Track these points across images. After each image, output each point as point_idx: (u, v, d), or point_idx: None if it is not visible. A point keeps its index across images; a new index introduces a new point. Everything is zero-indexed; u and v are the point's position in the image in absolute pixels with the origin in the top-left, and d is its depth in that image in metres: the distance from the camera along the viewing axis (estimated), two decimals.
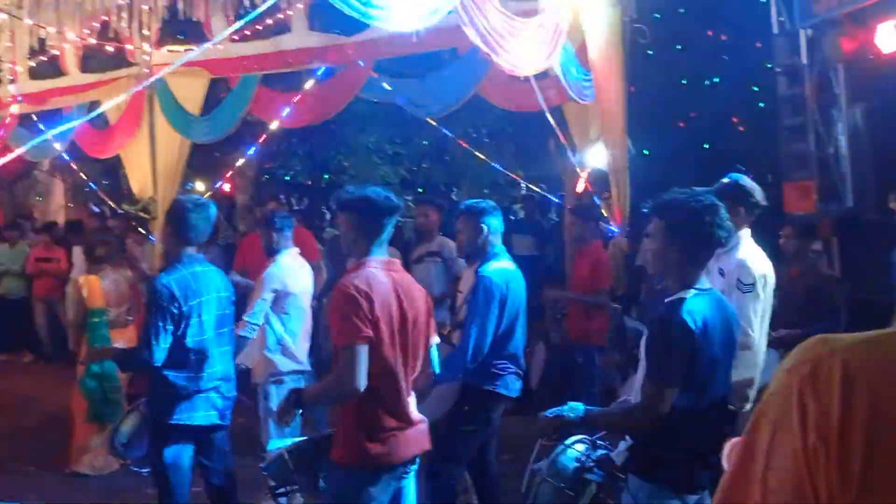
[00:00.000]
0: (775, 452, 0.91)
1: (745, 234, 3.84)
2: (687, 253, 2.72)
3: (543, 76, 6.09)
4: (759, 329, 3.77)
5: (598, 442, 3.06)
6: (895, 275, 4.57)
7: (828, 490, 0.86)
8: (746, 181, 3.92)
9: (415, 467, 3.17)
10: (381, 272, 3.08)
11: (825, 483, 0.86)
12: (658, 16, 9.55)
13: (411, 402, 3.13)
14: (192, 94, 7.89)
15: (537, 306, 7.87)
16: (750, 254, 3.79)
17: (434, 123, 7.89)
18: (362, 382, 2.86)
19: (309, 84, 8.09)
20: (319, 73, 8.03)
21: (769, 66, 7.42)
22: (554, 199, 8.83)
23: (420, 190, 12.67)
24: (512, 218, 11.05)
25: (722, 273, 3.80)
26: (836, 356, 0.89)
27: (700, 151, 10.59)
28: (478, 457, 4.24)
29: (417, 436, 3.11)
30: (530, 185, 8.65)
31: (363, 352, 2.87)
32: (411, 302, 3.12)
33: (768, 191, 7.86)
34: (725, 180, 3.87)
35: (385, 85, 7.67)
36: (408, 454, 3.06)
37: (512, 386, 4.18)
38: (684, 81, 10.73)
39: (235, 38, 6.90)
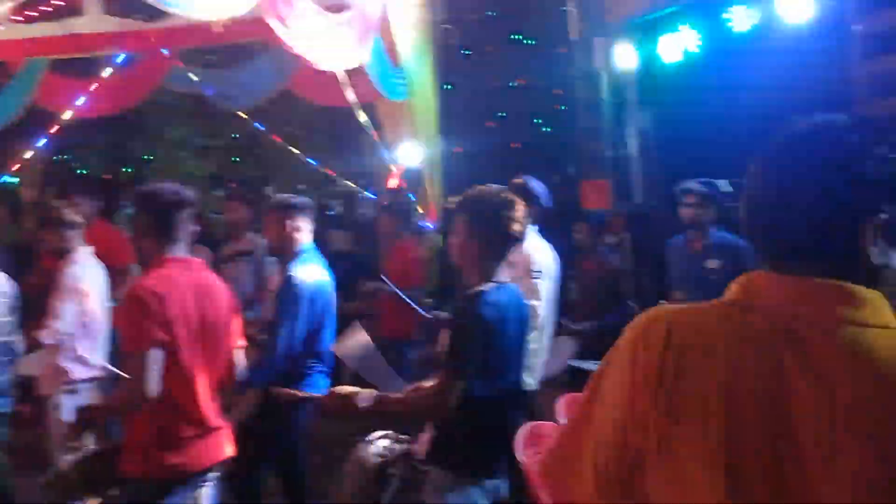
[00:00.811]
0: (612, 389, 1.19)
1: (532, 229, 4.25)
2: (486, 247, 2.80)
3: (357, 71, 6.07)
4: (545, 309, 4.18)
5: (401, 436, 3.10)
6: (669, 262, 5.02)
7: (643, 422, 1.12)
8: (534, 182, 4.30)
9: (216, 475, 3.04)
10: (178, 272, 2.93)
11: (641, 414, 1.13)
12: (473, 17, 9.87)
13: (213, 407, 3.00)
14: None
15: (353, 301, 7.88)
16: (536, 246, 4.21)
17: (245, 117, 7.63)
18: (155, 389, 2.70)
19: (106, 72, 7.57)
20: (119, 60, 7.53)
21: (570, 71, 7.86)
22: (370, 195, 8.85)
23: (231, 185, 12.23)
24: (330, 213, 10.97)
25: (511, 264, 4.14)
26: (662, 319, 1.17)
27: (510, 150, 11.06)
28: (285, 459, 4.16)
29: (218, 442, 2.99)
30: (344, 181, 8.60)
31: (155, 357, 2.72)
32: (212, 303, 2.99)
33: (570, 189, 8.35)
34: (516, 181, 4.21)
35: (191, 76, 7.33)
36: (207, 462, 2.93)
37: (320, 385, 4.13)
38: (496, 83, 11.16)
39: (19, 18, 6.30)
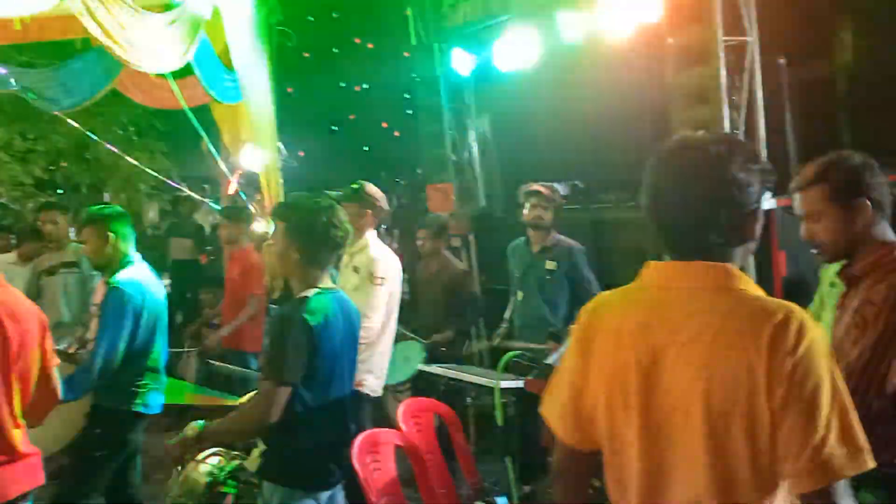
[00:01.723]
0: (566, 354, 1.80)
1: (373, 234, 4.27)
2: (306, 253, 2.78)
3: (187, 73, 5.84)
4: (379, 317, 4.26)
5: (232, 452, 3.02)
6: (511, 263, 5.19)
7: (577, 368, 1.72)
8: (371, 187, 4.35)
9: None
10: None
11: (575, 363, 1.72)
12: (312, 19, 9.76)
13: (19, 433, 2.80)
14: None
15: (195, 311, 7.59)
16: (379, 252, 4.24)
17: (71, 120, 7.15)
18: None
19: None
20: None
21: (413, 75, 7.93)
22: (209, 201, 8.55)
23: (60, 191, 11.44)
24: (174, 221, 10.50)
25: (356, 270, 4.16)
26: (591, 302, 1.78)
27: (357, 154, 11.03)
28: (115, 482, 3.94)
29: (26, 470, 2.79)
30: (182, 188, 8.26)
31: None
32: (17, 321, 2.78)
33: (417, 192, 8.38)
34: (353, 185, 4.22)
35: (11, 80, 6.76)
36: (14, 492, 2.73)
37: (153, 402, 3.95)
38: (343, 84, 11.10)
39: None
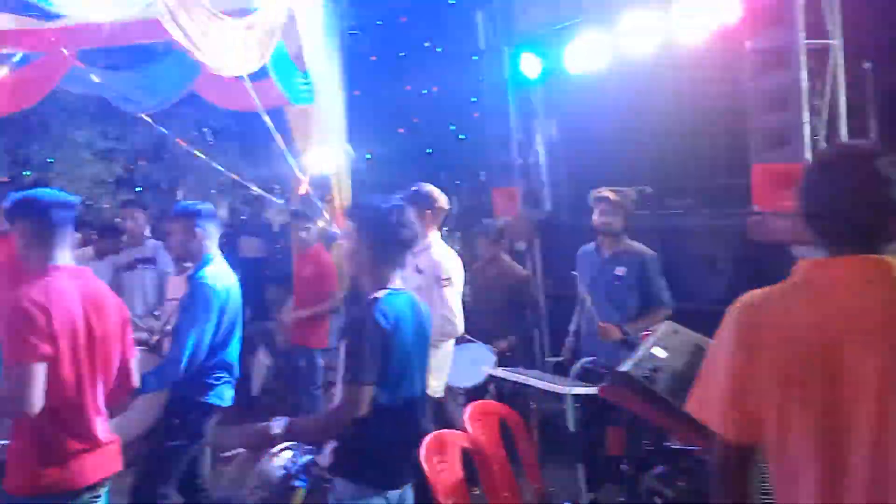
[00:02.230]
0: (720, 349, 1.81)
1: (436, 235, 4.32)
2: (376, 253, 2.82)
3: (263, 76, 5.99)
4: (455, 316, 4.29)
5: (306, 447, 3.07)
6: (580, 268, 5.13)
7: (741, 363, 1.74)
8: (430, 188, 4.36)
9: (105, 490, 2.95)
10: (64, 282, 2.83)
11: (740, 358, 1.74)
12: (380, 23, 9.87)
13: (101, 421, 2.91)
14: None
15: (262, 308, 7.76)
16: (443, 252, 4.26)
17: (149, 120, 7.40)
18: (37, 403, 2.60)
19: (2, 71, 7.22)
20: (16, 59, 7.18)
21: (481, 79, 7.92)
22: (278, 200, 8.73)
23: (138, 189, 11.83)
24: (241, 219, 10.76)
25: (420, 271, 4.20)
26: (748, 297, 1.80)
27: (422, 156, 11.09)
28: (189, 472, 4.06)
29: (106, 457, 2.90)
30: (253, 187, 8.45)
31: (38, 371, 2.62)
32: (101, 313, 2.90)
33: (480, 196, 8.35)
34: (413, 188, 4.28)
35: (93, 77, 7.06)
36: (93, 478, 2.83)
37: (225, 395, 4.06)
38: (408, 88, 11.17)
39: None
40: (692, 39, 5.63)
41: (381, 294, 2.77)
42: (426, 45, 10.74)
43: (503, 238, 5.88)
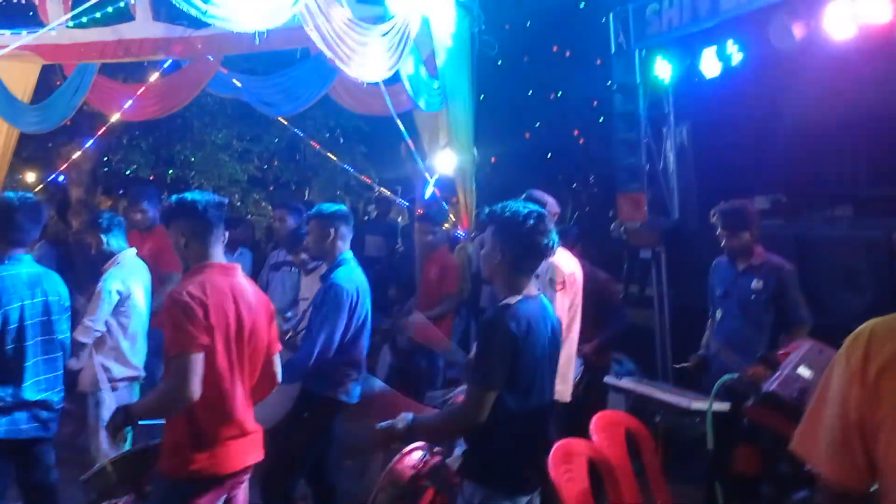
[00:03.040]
0: (835, 382, 1.62)
1: None
2: (513, 259, 2.84)
3: (394, 81, 6.15)
4: (567, 320, 4.22)
5: (435, 448, 3.13)
6: (712, 281, 4.97)
7: (856, 402, 1.56)
8: (540, 193, 4.33)
9: (247, 477, 3.12)
10: (218, 277, 3.02)
11: (855, 397, 1.56)
12: (507, 27, 9.90)
13: (248, 411, 3.08)
14: (21, 80, 7.37)
15: (386, 308, 7.95)
16: (559, 257, 4.21)
17: (285, 122, 7.75)
18: (197, 392, 2.79)
19: (154, 76, 7.77)
20: (165, 65, 7.71)
21: (608, 82, 7.82)
22: (404, 202, 8.92)
23: (270, 188, 12.41)
24: (365, 218, 11.08)
25: (536, 275, 4.18)
26: (867, 328, 1.60)
27: (543, 160, 11.05)
28: (316, 465, 4.22)
29: (251, 445, 3.07)
30: (382, 189, 8.69)
31: (198, 360, 2.81)
32: (250, 309, 3.07)
33: (607, 201, 8.20)
34: (524, 195, 4.27)
35: (235, 82, 7.48)
36: (239, 464, 3.01)
37: (353, 392, 4.20)
38: (531, 92, 11.17)
39: (71, 23, 6.49)
40: (838, 39, 5.35)
41: (514, 300, 2.79)
42: (554, 49, 10.70)
43: (579, 243, 5.72)
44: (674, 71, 6.92)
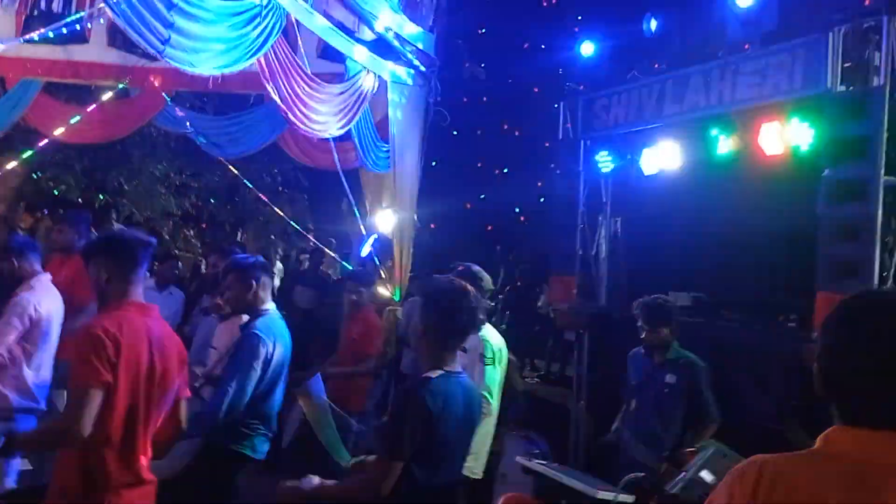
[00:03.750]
0: None
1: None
2: (436, 333, 2.85)
3: (344, 138, 6.21)
4: (496, 397, 4.28)
5: None
6: (629, 370, 5.08)
7: None
8: (477, 268, 4.39)
9: None
10: (136, 317, 2.94)
11: None
12: (465, 100, 10.16)
13: (145, 459, 2.96)
14: None
15: (306, 362, 7.81)
16: (488, 332, 4.29)
17: (228, 165, 7.70)
18: (87, 428, 2.66)
19: (100, 100, 7.63)
20: (119, 87, 7.59)
21: (552, 166, 8.06)
22: (334, 255, 8.88)
23: (202, 226, 12.21)
24: (299, 269, 10.96)
25: (464, 350, 4.20)
26: (756, 462, 1.47)
27: (483, 232, 11.22)
28: None
29: (144, 496, 2.94)
30: (312, 239, 8.65)
31: (96, 397, 2.69)
32: (162, 352, 2.98)
33: (538, 279, 8.30)
34: (460, 267, 4.33)
35: (187, 124, 7.40)
36: None
37: (259, 448, 4.08)
38: (479, 165, 11.42)
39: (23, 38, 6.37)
40: (769, 154, 5.67)
41: (434, 375, 2.79)
42: (504, 127, 11.01)
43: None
44: (614, 164, 7.19)
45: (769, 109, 5.58)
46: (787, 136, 5.49)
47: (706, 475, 3.00)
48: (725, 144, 6.11)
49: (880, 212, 4.62)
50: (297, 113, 4.25)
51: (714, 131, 6.20)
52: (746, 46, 6.27)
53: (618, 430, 4.99)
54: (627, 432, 4.84)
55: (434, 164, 7.42)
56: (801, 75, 5.20)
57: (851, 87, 4.85)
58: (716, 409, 4.70)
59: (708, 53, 6.59)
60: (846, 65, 4.87)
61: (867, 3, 4.97)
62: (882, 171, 4.64)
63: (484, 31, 11.10)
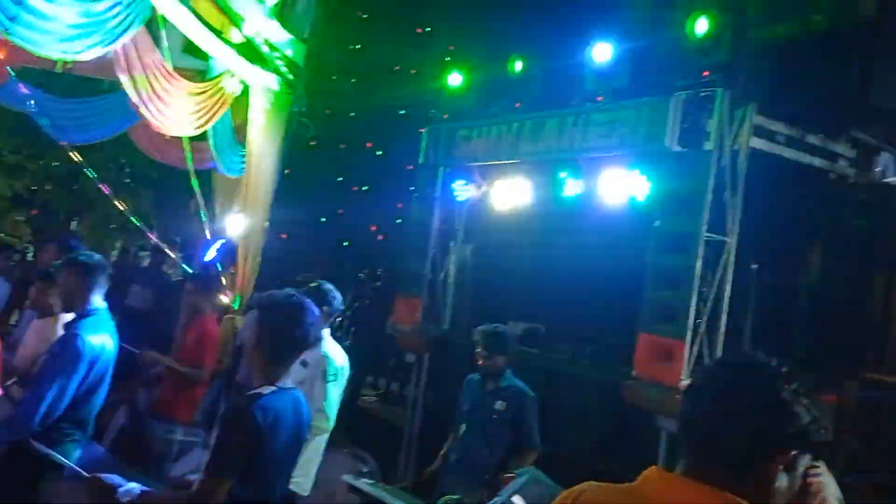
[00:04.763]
0: None
1: (326, 332, 4.38)
2: (270, 348, 2.82)
3: (201, 137, 6.03)
4: (333, 415, 4.30)
5: None
6: (462, 396, 5.22)
7: None
8: (329, 287, 4.44)
9: None
10: None
11: None
12: (328, 112, 10.13)
13: None
14: None
15: (134, 366, 7.44)
16: (332, 350, 4.32)
17: (72, 151, 7.24)
18: None
19: None
20: None
21: (412, 189, 8.19)
22: (175, 256, 8.54)
23: (33, 212, 11.37)
24: (139, 266, 10.43)
25: (305, 364, 4.22)
26: (576, 491, 1.59)
27: (339, 247, 11.18)
28: None
29: None
30: (158, 240, 8.29)
31: None
32: None
33: (389, 299, 8.37)
34: (312, 284, 4.36)
35: (31, 103, 6.89)
36: None
37: (71, 454, 3.85)
38: (340, 180, 11.39)
39: None
40: (609, 201, 6.07)
41: (266, 391, 2.76)
42: (368, 145, 11.06)
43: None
44: (470, 194, 7.42)
45: (614, 160, 5.98)
46: (626, 187, 5.90)
47: (518, 500, 3.14)
48: (573, 187, 6.48)
49: (699, 264, 5.05)
50: (152, 108, 4.09)
51: (563, 174, 6.56)
52: (599, 98, 6.72)
53: (446, 453, 5.12)
54: (455, 456, 4.98)
55: (291, 173, 7.34)
56: (645, 131, 5.59)
57: (686, 148, 5.28)
58: (538, 437, 4.92)
59: (565, 100, 7.00)
60: (684, 126, 5.29)
61: (705, 74, 5.43)
62: (704, 228, 5.08)
63: (358, 47, 11.15)
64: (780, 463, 1.46)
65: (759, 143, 5.36)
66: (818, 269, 5.87)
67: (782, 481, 1.48)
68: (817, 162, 5.79)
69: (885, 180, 6.76)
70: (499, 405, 4.93)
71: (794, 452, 1.47)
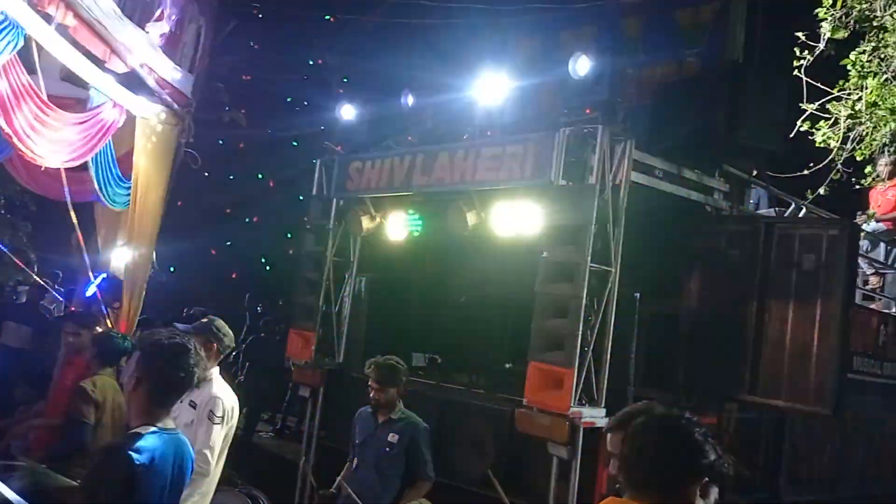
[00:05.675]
0: None
1: (216, 371, 4.27)
2: (150, 389, 2.76)
3: (82, 168, 5.79)
4: (216, 458, 4.17)
5: None
6: (354, 429, 5.17)
7: None
8: (220, 323, 4.36)
9: None
10: None
11: None
12: (221, 142, 9.96)
13: None
14: None
15: (8, 408, 7.00)
16: (221, 390, 4.20)
17: None
18: None
19: None
20: None
21: (304, 220, 8.11)
22: (59, 295, 8.15)
23: None
24: (14, 302, 9.85)
25: (193, 405, 4.10)
26: None
27: (228, 280, 10.94)
28: None
29: None
30: (31, 273, 7.88)
31: None
32: None
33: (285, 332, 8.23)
34: (203, 320, 4.27)
35: None
36: None
37: None
38: (228, 211, 11.18)
39: None
40: (500, 234, 6.21)
41: (145, 431, 2.68)
42: (259, 176, 10.91)
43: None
44: (364, 226, 7.42)
45: (503, 193, 6.13)
46: (516, 219, 6.06)
47: None
48: (466, 219, 6.59)
49: (585, 293, 5.23)
50: (24, 138, 3.90)
51: (457, 206, 6.66)
52: (489, 133, 6.90)
53: (339, 485, 5.06)
54: (348, 488, 4.93)
55: (179, 204, 7.16)
56: (532, 166, 5.77)
57: (570, 182, 5.48)
58: (431, 468, 4.94)
59: (456, 134, 7.14)
60: (568, 161, 5.49)
61: (588, 111, 5.67)
62: (589, 258, 5.27)
63: (249, 78, 11.03)
64: (696, 487, 2.03)
65: (638, 178, 5.62)
66: (697, 297, 6.17)
67: None
68: (694, 195, 6.13)
69: (759, 212, 7.26)
70: (392, 437, 4.93)
71: (705, 479, 2.04)
